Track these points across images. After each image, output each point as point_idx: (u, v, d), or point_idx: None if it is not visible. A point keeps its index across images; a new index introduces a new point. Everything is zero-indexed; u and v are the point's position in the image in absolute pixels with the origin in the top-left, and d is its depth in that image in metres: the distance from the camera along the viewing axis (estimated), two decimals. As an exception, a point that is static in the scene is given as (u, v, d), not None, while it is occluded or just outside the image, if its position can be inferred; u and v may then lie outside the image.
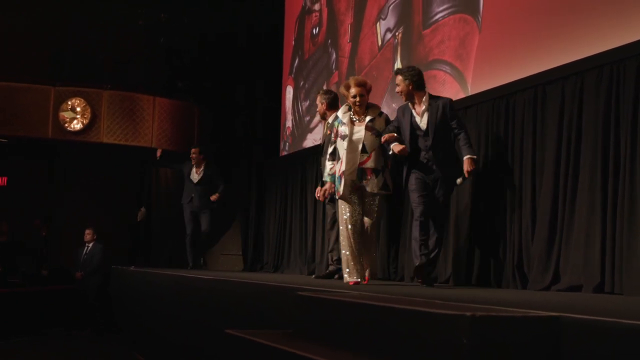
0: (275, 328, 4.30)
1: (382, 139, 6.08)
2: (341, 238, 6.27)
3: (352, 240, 6.13)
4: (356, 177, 6.17)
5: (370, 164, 6.18)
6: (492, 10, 6.61)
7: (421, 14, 7.71)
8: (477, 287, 6.02)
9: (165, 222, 14.06)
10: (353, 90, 6.21)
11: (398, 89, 6.06)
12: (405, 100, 6.07)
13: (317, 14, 10.52)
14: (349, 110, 6.30)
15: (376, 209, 6.30)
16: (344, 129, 6.23)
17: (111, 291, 11.29)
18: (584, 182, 5.31)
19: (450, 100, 6.07)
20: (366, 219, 6.27)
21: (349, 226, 6.15)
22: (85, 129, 12.57)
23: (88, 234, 12.57)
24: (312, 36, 10.63)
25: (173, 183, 15.28)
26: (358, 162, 6.14)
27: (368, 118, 6.23)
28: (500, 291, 5.49)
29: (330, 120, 7.20)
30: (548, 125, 5.68)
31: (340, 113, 6.39)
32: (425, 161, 5.94)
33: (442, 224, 6.10)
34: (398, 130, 6.06)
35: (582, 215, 5.27)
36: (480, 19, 6.74)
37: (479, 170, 6.11)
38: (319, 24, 10.41)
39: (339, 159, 6.27)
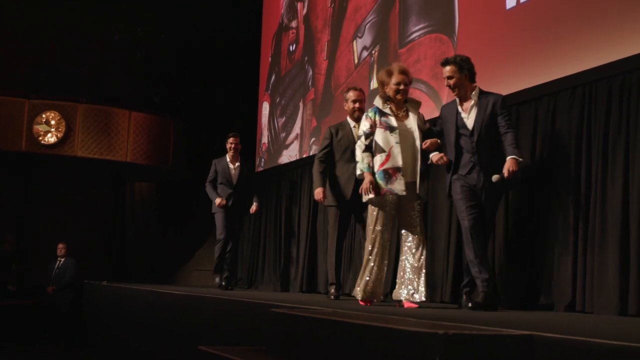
0: (248, 344, 4.29)
1: (423, 145, 5.37)
2: (368, 248, 5.45)
3: (380, 255, 5.38)
4: (418, 179, 5.36)
5: (422, 166, 5.40)
6: (467, 30, 6.68)
7: (397, 33, 7.77)
8: (451, 306, 6.04)
9: (141, 236, 13.98)
10: (396, 78, 5.44)
11: (450, 81, 5.31)
12: (457, 96, 5.36)
13: (294, 31, 10.56)
14: (387, 101, 5.50)
15: (422, 220, 5.44)
16: (387, 120, 5.40)
17: (84, 306, 11.18)
18: (555, 202, 5.36)
19: (503, 97, 5.34)
20: (411, 236, 5.39)
21: (384, 236, 5.40)
22: (60, 142, 12.48)
23: (61, 248, 12.45)
24: (289, 53, 10.67)
25: (148, 196, 15.23)
26: (419, 162, 5.36)
27: (412, 115, 5.47)
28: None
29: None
30: (521, 145, 5.73)
31: (379, 103, 5.52)
32: (471, 165, 5.26)
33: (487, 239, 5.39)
34: (441, 134, 5.47)
35: (554, 235, 5.32)
36: (455, 39, 6.81)
37: (518, 176, 5.32)
38: (296, 41, 10.45)
39: (380, 151, 5.39)
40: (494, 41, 6.29)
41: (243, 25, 12.59)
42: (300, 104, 10.01)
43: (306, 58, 10.02)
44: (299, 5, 10.48)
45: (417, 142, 5.37)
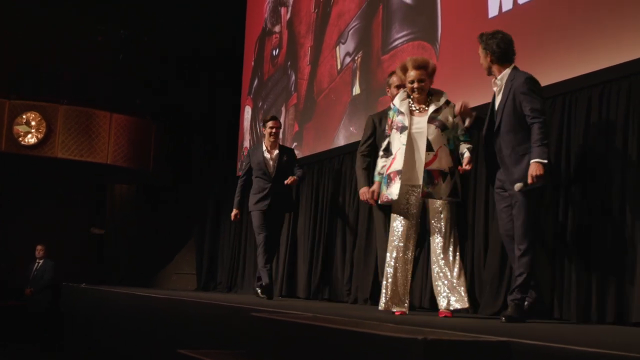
0: (228, 348, 4.28)
1: (455, 111, 4.99)
2: (387, 257, 5.09)
3: (399, 262, 5.03)
4: (422, 181, 4.92)
5: (436, 164, 4.95)
6: (450, 38, 6.72)
7: (380, 39, 7.80)
8: (429, 312, 6.06)
9: (121, 239, 13.92)
10: (412, 74, 5.04)
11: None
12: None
13: (278, 36, 10.58)
14: (408, 97, 5.13)
15: (451, 221, 4.99)
16: (401, 119, 5.06)
17: (62, 308, 11.11)
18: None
19: (529, 76, 4.72)
20: (438, 239, 4.97)
21: (401, 244, 5.04)
22: (40, 143, 12.41)
23: (39, 250, 12.38)
24: (272, 58, 10.68)
25: (128, 199, 15.16)
26: (424, 163, 4.93)
27: (432, 108, 5.03)
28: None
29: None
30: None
31: (397, 100, 5.19)
32: (499, 161, 4.82)
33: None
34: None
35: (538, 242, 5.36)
36: (438, 47, 6.85)
37: (548, 180, 4.75)
38: (279, 46, 10.46)
39: (389, 155, 5.13)
40: (476, 49, 6.32)
41: (226, 28, 12.58)
42: (283, 109, 10.02)
43: (289, 63, 10.03)
44: (283, 10, 10.50)
45: (423, 142, 4.95)
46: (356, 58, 8.24)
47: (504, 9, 6.05)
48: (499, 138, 4.73)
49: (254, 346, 3.86)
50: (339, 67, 8.60)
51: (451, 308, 4.87)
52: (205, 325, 5.41)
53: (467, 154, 4.99)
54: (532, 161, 4.46)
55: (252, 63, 11.43)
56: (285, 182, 7.42)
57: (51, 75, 13.47)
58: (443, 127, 4.97)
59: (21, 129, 12.37)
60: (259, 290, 7.55)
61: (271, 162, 7.64)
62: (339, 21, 8.71)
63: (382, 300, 5.02)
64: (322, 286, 8.26)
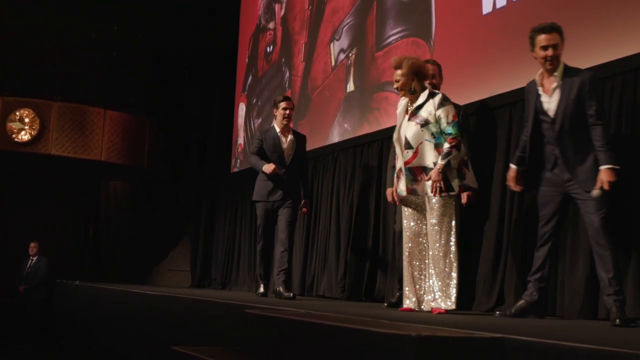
0: (222, 345, 4.28)
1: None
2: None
3: (407, 259, 5.04)
4: (405, 179, 4.97)
5: (417, 161, 4.93)
6: (444, 34, 6.72)
7: (374, 36, 7.80)
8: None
9: (116, 236, 13.91)
10: (395, 74, 5.08)
11: (554, 52, 4.56)
12: (547, 71, 4.61)
13: (272, 33, 10.56)
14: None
15: (443, 217, 4.88)
16: (399, 119, 5.14)
17: (56, 306, 11.11)
18: (526, 206, 5.40)
19: (592, 75, 4.51)
20: (432, 232, 4.90)
21: (409, 242, 5.05)
22: (34, 140, 12.38)
23: (33, 247, 12.36)
24: (266, 54, 10.66)
25: (122, 196, 15.15)
26: (403, 162, 4.97)
27: (414, 106, 5.02)
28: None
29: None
30: (497, 147, 5.77)
31: (401, 100, 5.19)
32: (553, 159, 4.60)
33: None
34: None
35: (525, 239, 5.36)
36: (432, 43, 6.85)
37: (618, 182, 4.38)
38: (273, 43, 10.45)
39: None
40: (471, 46, 6.34)
41: (220, 25, 12.56)
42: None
43: (283, 60, 10.02)
44: (277, 6, 10.49)
45: (404, 135, 4.97)
46: (350, 55, 8.24)
47: (498, 5, 6.05)
48: (559, 138, 4.50)
49: (248, 343, 3.86)
50: (333, 63, 8.59)
51: (412, 307, 4.95)
52: (199, 322, 5.41)
53: (439, 162, 4.84)
54: (604, 167, 4.27)
55: (246, 59, 11.42)
56: (303, 210, 7.10)
57: (44, 72, 13.44)
58: (424, 123, 4.91)
59: (15, 125, 12.34)
60: (261, 291, 7.02)
61: (286, 147, 6.99)
62: (333, 18, 8.71)
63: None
64: (316, 283, 8.26)
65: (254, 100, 10.91)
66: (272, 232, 7.06)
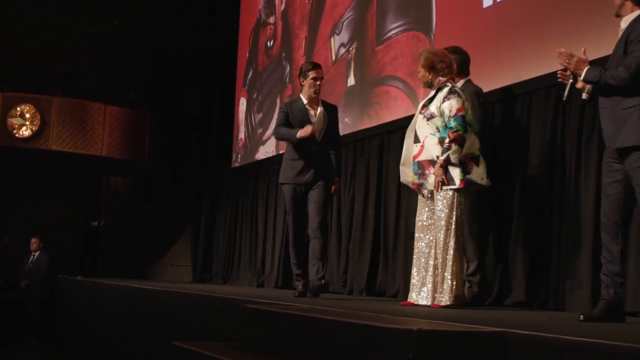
0: (223, 340, 4.28)
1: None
2: None
3: (415, 253, 5.04)
4: (412, 173, 4.98)
5: (425, 155, 4.91)
6: (444, 28, 6.71)
7: (375, 30, 7.79)
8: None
9: (116, 231, 13.91)
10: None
11: None
12: None
13: (272, 27, 10.55)
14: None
15: (449, 211, 4.79)
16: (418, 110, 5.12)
17: (57, 301, 11.12)
18: (528, 199, 5.40)
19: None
20: (438, 226, 4.85)
21: (418, 234, 5.04)
22: (34, 135, 12.38)
23: (34, 243, 12.36)
24: (267, 49, 10.65)
25: (123, 191, 15.15)
26: (411, 156, 4.98)
27: (429, 97, 5.03)
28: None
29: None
30: (497, 144, 5.77)
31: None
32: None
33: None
34: None
35: (527, 233, 5.37)
36: (432, 37, 6.84)
37: None
38: (274, 37, 10.44)
39: None
40: (471, 39, 6.32)
41: (220, 20, 12.54)
42: (278, 100, 10.00)
43: (284, 54, 10.01)
44: (277, 1, 10.47)
45: (412, 134, 4.99)
46: (351, 49, 8.22)
47: (499, -2, 6.04)
48: None
49: (249, 338, 3.86)
50: (333, 58, 8.58)
51: (412, 300, 4.89)
52: (200, 317, 5.41)
53: (440, 157, 4.79)
54: None
55: (247, 54, 11.40)
56: (333, 188, 6.11)
57: (45, 68, 13.41)
58: (430, 117, 4.90)
59: (15, 121, 12.33)
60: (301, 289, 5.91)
61: (316, 121, 6.04)
62: (333, 12, 8.69)
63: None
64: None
65: (255, 95, 10.90)
66: (303, 217, 6.10)
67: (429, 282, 4.83)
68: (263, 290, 8.36)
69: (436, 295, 4.78)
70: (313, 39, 9.13)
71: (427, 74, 5.02)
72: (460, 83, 5.33)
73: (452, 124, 4.81)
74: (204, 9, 12.85)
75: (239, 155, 11.30)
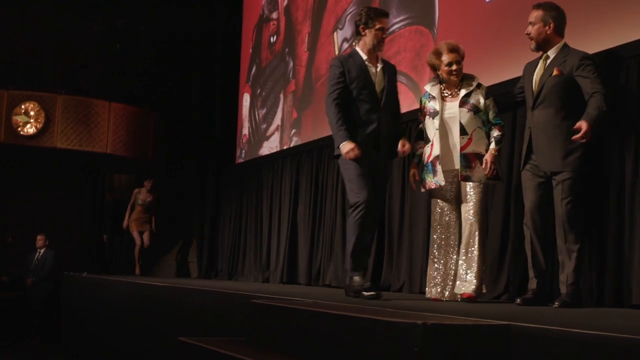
0: (229, 335, 4.29)
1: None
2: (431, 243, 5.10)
3: (437, 245, 5.02)
4: (459, 165, 4.90)
5: (472, 147, 4.92)
6: (447, 22, 6.70)
7: (378, 24, 7.76)
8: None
9: (120, 227, 13.92)
10: (446, 58, 4.97)
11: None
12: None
13: (275, 23, 10.54)
14: (440, 83, 5.08)
15: (480, 204, 4.89)
16: (432, 105, 5.03)
17: (62, 298, 11.14)
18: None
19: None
20: (468, 218, 4.89)
21: (440, 229, 5.02)
22: (39, 133, 12.40)
23: (40, 240, 12.38)
24: (270, 44, 10.65)
25: (128, 187, 15.16)
26: (459, 147, 4.91)
27: (463, 92, 4.98)
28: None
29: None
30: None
31: (428, 87, 5.12)
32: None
33: None
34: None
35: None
36: (435, 31, 6.83)
37: None
38: (277, 33, 10.43)
39: (427, 141, 5.05)
40: (474, 34, 6.31)
41: (223, 16, 12.54)
42: (281, 96, 10.00)
43: (287, 50, 10.00)
44: (280, -4, 10.48)
45: (456, 126, 4.93)
46: (354, 44, 8.19)
47: (502, -8, 6.03)
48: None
49: (254, 333, 3.87)
50: (336, 53, 8.56)
51: (453, 292, 4.91)
52: (205, 313, 5.42)
53: (493, 146, 4.91)
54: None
55: (250, 50, 11.40)
56: (401, 149, 5.17)
57: (49, 65, 13.44)
58: (476, 110, 4.94)
59: (20, 119, 12.35)
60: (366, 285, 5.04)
61: (378, 80, 5.20)
62: (336, 7, 8.68)
63: (427, 287, 5.08)
64: (322, 272, 8.27)
65: (258, 91, 10.90)
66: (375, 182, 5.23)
67: (463, 275, 4.87)
68: (268, 286, 8.37)
69: (467, 285, 4.83)
70: (316, 35, 9.13)
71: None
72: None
73: (499, 120, 5.02)
74: (208, 6, 12.85)
75: (243, 151, 11.30)
